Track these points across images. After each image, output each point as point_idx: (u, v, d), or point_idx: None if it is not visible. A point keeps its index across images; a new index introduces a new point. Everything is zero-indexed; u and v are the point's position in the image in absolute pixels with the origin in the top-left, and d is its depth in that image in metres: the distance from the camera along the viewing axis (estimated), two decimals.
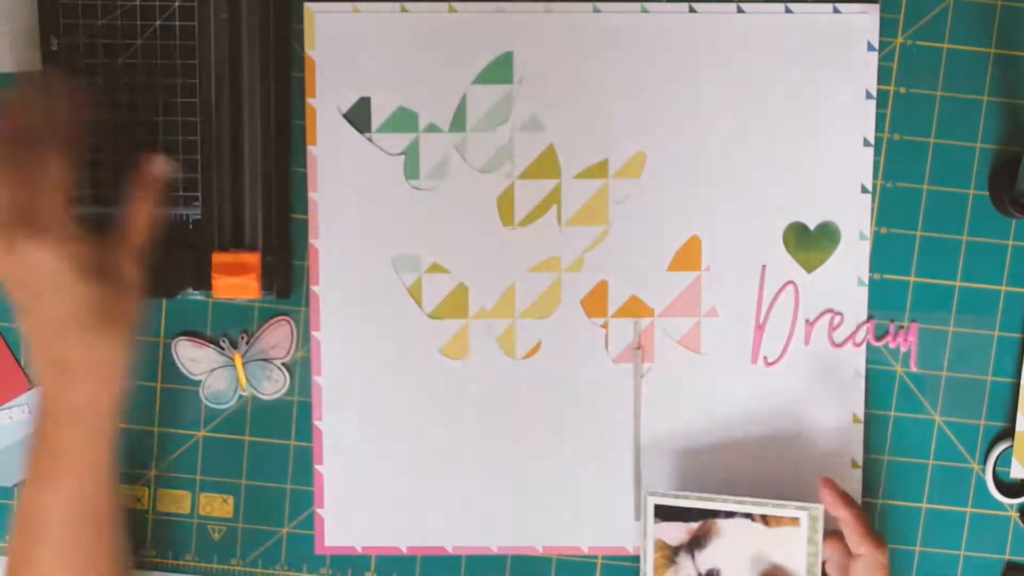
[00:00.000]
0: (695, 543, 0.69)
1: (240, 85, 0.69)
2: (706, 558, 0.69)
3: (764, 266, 0.71)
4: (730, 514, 0.69)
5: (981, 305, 0.72)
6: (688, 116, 0.71)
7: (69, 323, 0.62)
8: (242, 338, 0.72)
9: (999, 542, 0.73)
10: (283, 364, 0.72)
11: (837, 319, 0.71)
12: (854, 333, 0.71)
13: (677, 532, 0.69)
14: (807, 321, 0.71)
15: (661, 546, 0.70)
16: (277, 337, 0.72)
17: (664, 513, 0.69)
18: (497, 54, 0.71)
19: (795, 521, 0.68)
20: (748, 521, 0.69)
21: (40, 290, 0.62)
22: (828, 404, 0.72)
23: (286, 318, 0.72)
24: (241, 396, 0.72)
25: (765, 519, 0.69)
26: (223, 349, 0.72)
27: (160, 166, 0.68)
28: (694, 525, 0.69)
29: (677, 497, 0.69)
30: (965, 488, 0.73)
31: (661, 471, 0.72)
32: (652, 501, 0.69)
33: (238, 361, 0.72)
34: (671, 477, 0.72)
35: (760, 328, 0.71)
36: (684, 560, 0.70)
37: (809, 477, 0.72)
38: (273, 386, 0.72)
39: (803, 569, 0.68)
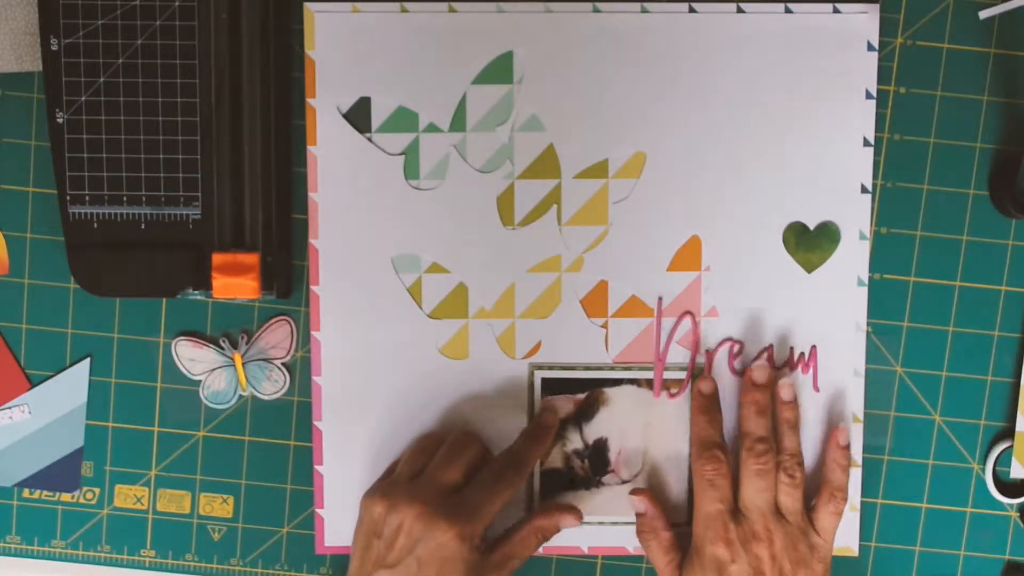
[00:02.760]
0: (582, 414, 0.70)
1: (240, 85, 0.69)
2: (593, 429, 0.70)
3: (660, 298, 0.71)
4: (617, 382, 0.69)
5: (981, 305, 0.72)
6: (688, 116, 0.71)
7: None
8: (242, 338, 0.72)
9: (999, 542, 0.73)
10: (283, 364, 0.72)
11: (736, 347, 0.71)
12: (754, 359, 0.71)
13: (564, 405, 0.70)
14: (707, 351, 0.71)
15: None
16: (277, 337, 0.72)
17: (551, 387, 0.70)
18: (497, 54, 0.71)
19: (680, 383, 0.70)
20: (634, 388, 0.69)
21: (425, 561, 0.64)
22: (828, 403, 0.72)
23: (286, 318, 0.72)
24: (241, 396, 0.72)
25: (651, 384, 0.70)
26: (223, 349, 0.72)
27: (572, 523, 0.70)
28: (580, 396, 0.70)
29: (564, 369, 0.70)
30: (965, 488, 0.73)
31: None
32: (539, 375, 0.70)
33: (238, 361, 0.72)
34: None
35: (660, 360, 0.71)
36: (571, 433, 0.71)
37: (809, 477, 0.72)
38: (273, 386, 0.72)
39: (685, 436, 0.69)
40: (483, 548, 0.66)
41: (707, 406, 0.70)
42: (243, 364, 0.72)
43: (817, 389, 0.71)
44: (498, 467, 0.68)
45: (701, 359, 0.71)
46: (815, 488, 0.70)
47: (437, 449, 0.69)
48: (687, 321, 0.71)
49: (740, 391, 0.70)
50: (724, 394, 0.71)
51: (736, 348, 0.71)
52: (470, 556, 0.64)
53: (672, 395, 0.71)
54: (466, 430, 0.71)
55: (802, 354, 0.71)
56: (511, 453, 0.69)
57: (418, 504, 0.64)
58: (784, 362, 0.71)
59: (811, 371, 0.71)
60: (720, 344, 0.71)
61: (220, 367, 0.72)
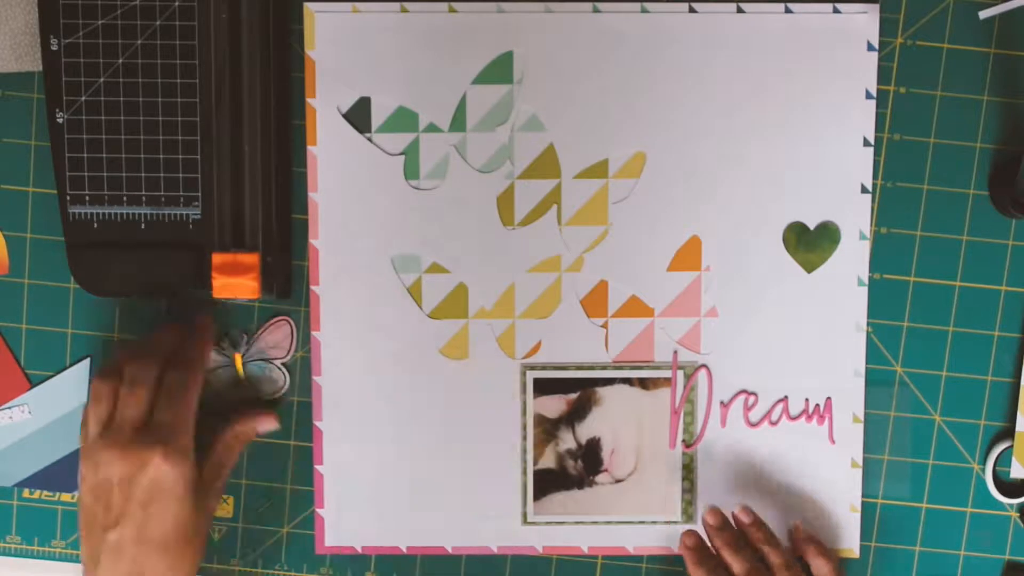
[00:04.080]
0: (575, 414, 0.70)
1: (240, 85, 0.69)
2: (586, 428, 0.70)
3: (676, 352, 0.71)
4: (609, 381, 0.69)
5: (981, 305, 0.72)
6: (688, 116, 0.71)
7: (159, 540, 0.63)
8: (242, 338, 0.72)
9: (999, 542, 0.73)
10: (283, 364, 0.72)
11: (751, 399, 0.71)
12: (768, 412, 0.71)
13: (556, 404, 0.70)
14: (722, 403, 0.71)
15: (540, 420, 0.71)
16: (277, 337, 0.72)
17: (543, 387, 0.70)
18: (497, 54, 0.71)
19: (670, 382, 0.70)
20: (627, 386, 0.69)
21: (145, 501, 0.63)
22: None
23: (286, 318, 0.72)
24: None
25: (644, 383, 0.70)
26: (223, 349, 0.72)
27: (267, 426, 0.71)
28: (573, 396, 0.70)
29: (556, 369, 0.70)
30: (965, 488, 0.73)
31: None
32: (531, 376, 0.70)
33: (238, 361, 0.72)
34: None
35: (676, 413, 0.71)
36: (564, 432, 0.71)
37: (809, 477, 0.72)
38: (272, 386, 0.72)
39: (680, 428, 0.69)
40: (195, 462, 0.65)
41: (698, 559, 0.70)
42: (243, 364, 0.72)
43: (833, 441, 0.71)
44: (174, 377, 0.66)
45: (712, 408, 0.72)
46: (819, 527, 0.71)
47: (116, 388, 0.66)
48: (703, 373, 0.71)
49: (708, 536, 0.71)
50: (738, 448, 0.71)
51: (751, 400, 0.71)
52: (187, 472, 0.64)
53: (688, 447, 0.71)
54: (130, 347, 0.69)
55: (817, 405, 0.71)
56: (180, 359, 0.67)
57: (116, 449, 0.63)
58: (799, 413, 0.71)
59: (826, 422, 0.71)
60: (734, 397, 0.71)
61: (221, 367, 0.72)
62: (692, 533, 0.71)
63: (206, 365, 0.70)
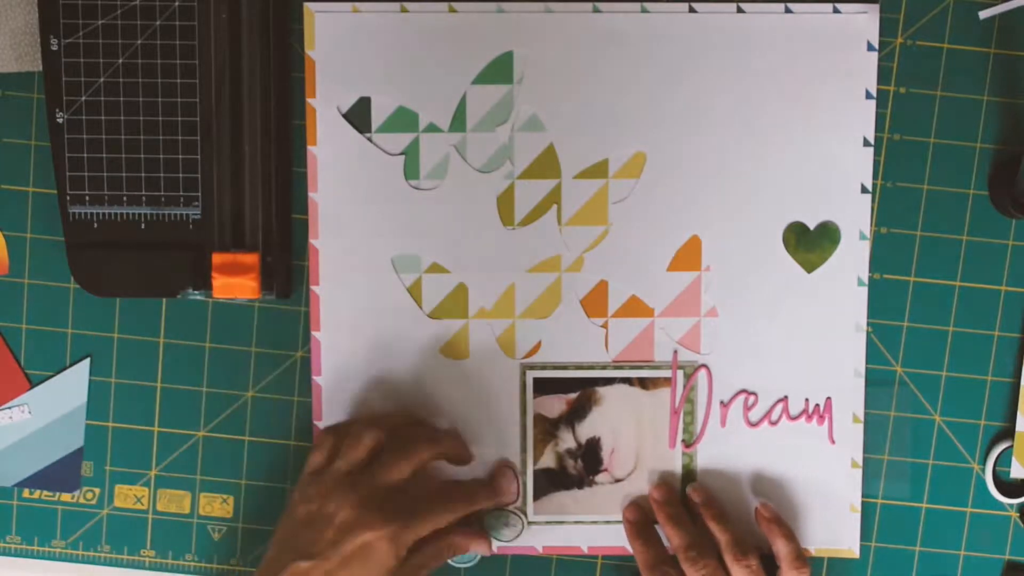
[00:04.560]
0: (575, 414, 0.70)
1: (240, 85, 0.69)
2: (586, 428, 0.71)
3: (676, 352, 0.71)
4: (609, 381, 0.69)
5: (981, 305, 0.72)
6: (688, 116, 0.71)
7: None
8: None
9: (999, 542, 0.73)
10: (517, 509, 0.71)
11: (751, 399, 0.71)
12: (768, 412, 0.71)
13: (556, 404, 0.70)
14: (722, 403, 0.71)
15: (540, 420, 0.71)
16: (504, 485, 0.71)
17: (543, 387, 0.70)
18: (497, 54, 0.71)
19: (670, 382, 0.70)
20: (626, 386, 0.70)
21: (348, 557, 0.62)
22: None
23: (508, 463, 0.71)
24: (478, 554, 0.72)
25: (643, 382, 0.70)
26: None
27: (483, 549, 0.70)
28: (573, 396, 0.70)
29: (556, 368, 0.70)
30: (965, 488, 0.73)
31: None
32: (531, 375, 0.70)
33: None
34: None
35: (676, 413, 0.71)
36: (564, 432, 0.71)
37: (809, 478, 0.72)
38: (512, 532, 0.72)
39: (680, 428, 0.69)
40: (406, 557, 0.64)
41: (636, 531, 0.71)
42: (484, 518, 0.72)
43: (833, 441, 0.71)
44: (451, 490, 0.68)
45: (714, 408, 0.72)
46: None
47: (369, 437, 0.67)
48: (703, 373, 0.71)
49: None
50: (738, 448, 0.71)
51: (751, 400, 0.71)
52: (393, 563, 0.63)
53: (688, 446, 0.71)
54: (414, 422, 0.70)
55: (817, 405, 0.71)
56: (466, 486, 0.69)
57: (356, 496, 0.63)
58: (799, 413, 0.71)
59: (826, 422, 0.71)
60: (734, 396, 0.71)
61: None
62: (633, 506, 0.71)
63: (482, 507, 0.70)
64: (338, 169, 0.71)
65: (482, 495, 0.70)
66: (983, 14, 0.70)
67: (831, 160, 0.71)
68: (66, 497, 0.74)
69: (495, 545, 0.71)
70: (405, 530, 0.63)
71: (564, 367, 0.71)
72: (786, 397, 0.71)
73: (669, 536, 0.69)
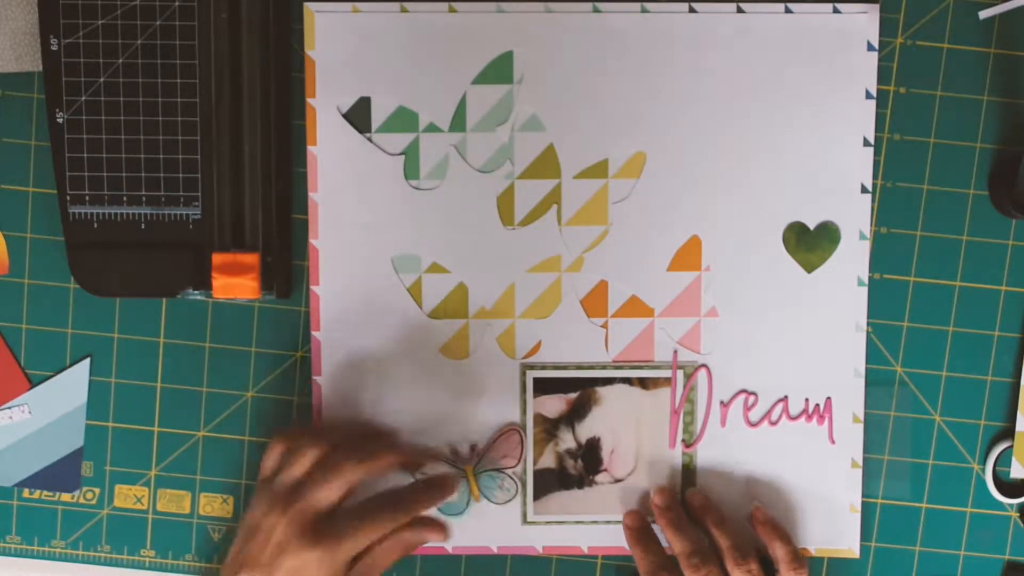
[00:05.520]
0: (574, 414, 0.70)
1: (240, 85, 0.69)
2: (586, 428, 0.71)
3: (676, 352, 0.71)
4: (608, 381, 0.70)
5: (981, 305, 0.72)
6: (688, 116, 0.71)
7: None
8: (471, 449, 0.72)
9: (999, 542, 0.73)
10: (513, 473, 0.72)
11: (751, 399, 0.71)
12: (768, 412, 0.71)
13: (556, 404, 0.71)
14: (721, 403, 0.72)
15: (540, 420, 0.71)
16: (508, 447, 0.72)
17: (543, 387, 0.70)
18: (497, 54, 0.71)
19: (670, 382, 0.70)
20: (627, 386, 0.70)
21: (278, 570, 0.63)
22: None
23: (516, 428, 0.71)
24: (472, 505, 0.72)
25: (643, 382, 0.70)
26: (454, 461, 0.71)
27: (438, 537, 0.69)
28: (573, 396, 0.70)
29: (556, 368, 0.70)
30: (965, 488, 0.73)
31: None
32: (531, 375, 0.70)
33: (470, 472, 0.71)
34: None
35: (676, 413, 0.71)
36: (564, 432, 0.71)
37: (809, 478, 0.72)
38: (505, 495, 0.72)
39: (680, 428, 0.69)
40: (345, 570, 0.65)
41: (637, 538, 0.71)
42: (475, 475, 0.72)
43: (833, 441, 0.71)
44: (379, 505, 0.66)
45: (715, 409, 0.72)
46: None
47: (311, 454, 0.66)
48: (703, 373, 0.71)
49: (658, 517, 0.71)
50: (738, 448, 0.71)
51: (751, 400, 0.71)
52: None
53: (687, 446, 0.71)
54: (368, 434, 0.70)
55: (817, 405, 0.71)
56: (398, 497, 0.68)
57: (287, 518, 0.64)
58: (799, 413, 0.71)
59: (826, 422, 0.71)
60: (734, 396, 0.71)
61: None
62: (633, 513, 0.71)
63: (414, 515, 0.68)
64: (338, 169, 0.71)
65: (421, 500, 0.68)
66: (983, 14, 0.70)
67: (831, 160, 0.71)
68: (66, 497, 0.74)
69: (476, 507, 0.71)
70: (333, 552, 0.63)
71: (564, 367, 0.71)
72: (786, 397, 0.71)
73: (671, 542, 0.69)
